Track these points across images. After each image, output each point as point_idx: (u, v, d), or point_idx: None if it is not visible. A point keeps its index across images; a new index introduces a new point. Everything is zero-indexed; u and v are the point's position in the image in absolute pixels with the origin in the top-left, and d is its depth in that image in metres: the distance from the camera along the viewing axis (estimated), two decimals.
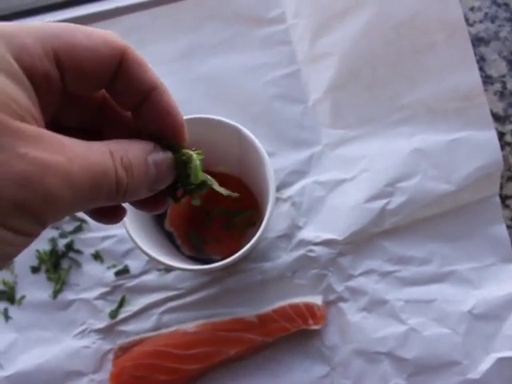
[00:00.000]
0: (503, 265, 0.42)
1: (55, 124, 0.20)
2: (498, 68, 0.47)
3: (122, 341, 0.42)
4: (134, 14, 0.48)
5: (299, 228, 0.44)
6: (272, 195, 0.35)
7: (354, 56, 0.45)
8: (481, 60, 0.47)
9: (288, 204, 0.44)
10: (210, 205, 0.43)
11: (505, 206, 0.44)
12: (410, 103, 0.44)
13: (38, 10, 0.49)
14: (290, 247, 0.43)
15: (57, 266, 0.44)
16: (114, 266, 0.44)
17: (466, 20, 0.48)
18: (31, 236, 0.18)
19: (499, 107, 0.46)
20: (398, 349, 0.41)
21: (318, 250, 0.43)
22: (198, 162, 0.22)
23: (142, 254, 0.36)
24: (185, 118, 0.36)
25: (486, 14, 0.48)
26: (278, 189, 0.44)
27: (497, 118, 0.46)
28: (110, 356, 0.42)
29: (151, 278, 0.44)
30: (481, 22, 0.48)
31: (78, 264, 0.44)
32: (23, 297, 0.44)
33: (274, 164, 0.42)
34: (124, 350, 0.41)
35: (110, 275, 0.44)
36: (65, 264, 0.44)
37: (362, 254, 0.43)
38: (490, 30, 0.48)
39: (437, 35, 0.44)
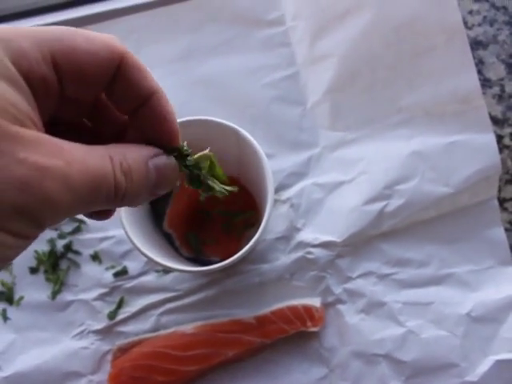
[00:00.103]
0: (501, 267, 0.42)
1: (52, 122, 0.20)
2: (496, 71, 0.47)
3: (120, 342, 0.42)
4: (133, 16, 0.48)
5: (298, 230, 0.44)
6: (271, 197, 0.35)
7: (353, 58, 0.45)
8: (479, 63, 0.48)
9: (287, 206, 0.44)
10: (209, 206, 0.43)
11: (503, 208, 0.45)
12: (408, 106, 0.44)
13: (37, 10, 0.49)
14: (288, 249, 0.43)
15: (55, 266, 0.44)
16: (113, 267, 0.44)
17: (465, 23, 0.48)
18: (30, 238, 0.18)
19: (497, 110, 0.47)
20: (396, 351, 0.41)
21: (317, 251, 0.43)
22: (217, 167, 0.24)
23: (141, 256, 0.36)
24: (184, 119, 0.36)
25: (485, 17, 0.49)
26: (277, 190, 0.44)
27: (495, 121, 0.46)
28: (109, 357, 0.42)
29: (150, 279, 0.44)
30: (479, 25, 0.48)
31: (76, 265, 0.44)
32: (22, 297, 0.44)
33: (273, 166, 0.42)
34: (122, 350, 0.41)
35: (108, 276, 0.44)
36: (63, 265, 0.45)
37: (360, 256, 0.43)
38: (489, 34, 0.48)
39: (436, 38, 0.44)
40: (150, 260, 0.35)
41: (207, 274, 0.43)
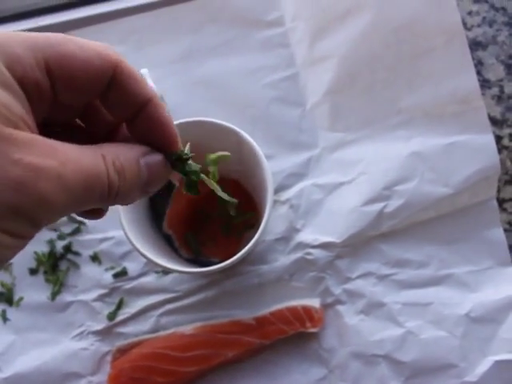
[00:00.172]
0: (500, 268, 0.42)
1: (45, 123, 0.21)
2: (495, 72, 0.47)
3: (120, 343, 0.42)
4: (134, 16, 0.48)
5: (297, 231, 0.44)
6: (270, 198, 0.35)
7: (352, 59, 0.45)
8: (478, 64, 0.48)
9: (286, 206, 0.44)
10: (208, 207, 0.43)
11: (502, 209, 0.45)
12: (408, 107, 0.44)
13: (38, 11, 0.49)
14: (287, 250, 0.43)
15: (55, 267, 0.44)
16: (112, 267, 0.44)
17: (464, 24, 0.48)
18: (26, 238, 0.18)
19: (497, 111, 0.47)
20: (395, 352, 0.41)
21: (316, 252, 0.43)
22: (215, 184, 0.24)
23: (140, 257, 0.36)
24: (184, 120, 0.36)
25: (484, 18, 0.49)
26: (276, 191, 0.45)
27: (494, 121, 0.46)
28: (108, 358, 0.42)
29: (149, 280, 0.44)
30: (479, 26, 0.48)
31: (76, 266, 0.44)
32: (21, 298, 0.44)
33: (273, 166, 0.42)
34: (122, 351, 0.41)
35: (108, 277, 0.44)
36: (63, 266, 0.45)
37: (359, 256, 0.43)
38: (488, 35, 0.48)
39: (435, 39, 0.44)
40: (149, 261, 0.35)
41: (207, 275, 0.43)
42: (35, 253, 0.45)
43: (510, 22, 0.48)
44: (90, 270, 0.44)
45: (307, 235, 0.44)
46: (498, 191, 0.44)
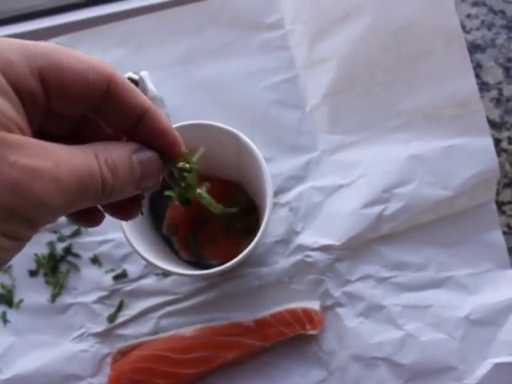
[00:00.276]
0: (499, 271, 0.42)
1: (41, 132, 0.21)
2: (494, 75, 0.48)
3: (120, 345, 0.42)
4: (134, 19, 0.48)
5: (297, 233, 0.44)
6: (270, 201, 0.35)
7: (351, 62, 0.45)
8: (477, 67, 0.48)
9: (286, 209, 0.44)
10: (208, 210, 0.43)
11: (501, 212, 0.45)
12: (407, 109, 0.45)
13: (38, 14, 0.50)
14: (287, 252, 0.44)
15: (55, 269, 0.44)
16: (112, 270, 0.44)
17: (463, 27, 0.48)
18: (23, 240, 0.18)
19: (495, 114, 0.47)
20: (394, 354, 0.41)
21: (316, 255, 0.43)
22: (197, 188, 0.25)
23: (140, 259, 0.36)
24: (183, 123, 0.36)
25: (483, 21, 0.49)
26: (276, 194, 0.45)
27: (493, 124, 0.46)
28: (108, 360, 0.42)
29: (149, 282, 0.44)
30: (477, 29, 0.49)
31: (76, 268, 0.44)
32: (21, 300, 0.44)
33: (272, 169, 0.42)
34: (122, 353, 0.41)
35: (108, 279, 0.44)
36: (63, 268, 0.45)
37: (359, 259, 0.43)
38: (487, 38, 0.48)
39: (434, 42, 0.44)
40: (149, 263, 0.35)
41: (206, 278, 0.43)
42: (35, 255, 0.45)
43: (508, 25, 0.48)
44: (90, 272, 0.44)
45: (307, 238, 0.44)
46: (497, 194, 0.44)
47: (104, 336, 0.43)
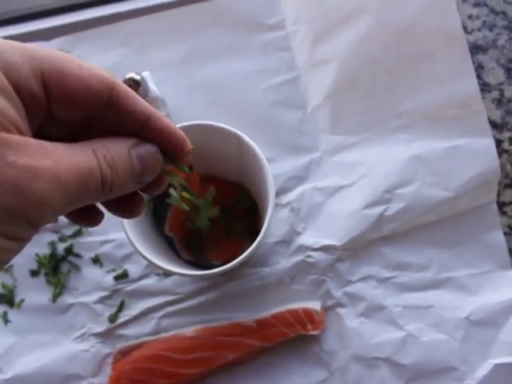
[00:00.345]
0: (500, 271, 0.42)
1: (40, 133, 0.21)
2: (495, 76, 0.48)
3: (121, 345, 0.42)
4: (135, 19, 0.48)
5: (298, 234, 0.44)
6: (272, 201, 0.35)
7: (353, 63, 0.45)
8: (479, 68, 0.48)
9: (287, 209, 0.45)
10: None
11: (502, 212, 0.45)
12: (408, 110, 0.45)
13: (41, 13, 0.50)
14: (288, 253, 0.44)
15: (56, 269, 0.44)
16: (114, 270, 0.44)
17: (464, 28, 0.48)
18: (24, 241, 0.18)
19: (497, 115, 0.47)
20: (395, 354, 0.41)
21: (317, 255, 0.43)
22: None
23: (141, 259, 0.36)
24: (185, 124, 0.36)
25: (484, 22, 0.49)
26: (277, 194, 0.45)
27: (494, 125, 0.46)
28: (109, 360, 0.42)
29: (150, 282, 0.44)
30: (479, 30, 0.49)
31: (77, 268, 0.45)
32: (22, 300, 0.44)
33: (273, 170, 0.42)
34: (123, 353, 0.41)
35: (109, 279, 0.44)
36: (64, 268, 0.45)
37: (360, 259, 0.43)
38: (488, 38, 0.48)
39: (435, 43, 0.44)
40: (150, 263, 0.35)
41: (208, 278, 0.43)
42: (36, 255, 0.45)
43: (509, 25, 0.49)
44: (91, 273, 0.44)
45: (308, 238, 0.44)
46: (498, 195, 0.44)
47: (105, 336, 0.43)
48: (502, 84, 0.47)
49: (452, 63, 0.44)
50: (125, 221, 0.35)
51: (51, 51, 0.19)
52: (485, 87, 0.47)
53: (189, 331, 0.41)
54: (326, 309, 0.42)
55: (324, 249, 0.43)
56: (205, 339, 0.41)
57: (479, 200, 0.43)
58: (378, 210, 0.43)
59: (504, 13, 0.49)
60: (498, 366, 0.40)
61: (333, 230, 0.43)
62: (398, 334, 0.41)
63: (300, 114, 0.46)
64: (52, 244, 0.45)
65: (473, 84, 0.43)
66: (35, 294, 0.44)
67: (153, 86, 0.45)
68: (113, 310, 0.43)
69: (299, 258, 0.43)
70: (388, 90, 0.45)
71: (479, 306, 0.41)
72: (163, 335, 0.42)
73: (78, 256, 0.45)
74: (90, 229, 0.45)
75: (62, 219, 0.45)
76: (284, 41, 0.47)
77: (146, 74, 0.45)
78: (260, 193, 0.39)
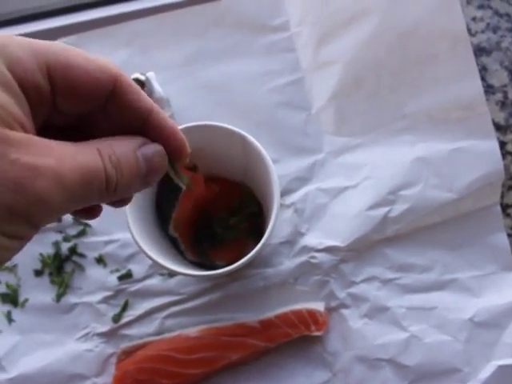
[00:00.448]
0: (504, 273, 0.42)
1: (45, 125, 0.21)
2: (499, 78, 0.48)
3: (125, 345, 0.42)
4: (139, 20, 0.48)
5: (302, 234, 0.44)
6: (277, 202, 0.35)
7: (357, 64, 0.45)
8: (483, 70, 0.48)
9: (291, 210, 0.45)
10: (215, 210, 0.43)
11: (506, 214, 0.45)
12: (412, 112, 0.45)
13: (46, 14, 0.50)
14: (292, 253, 0.44)
15: (60, 269, 0.45)
16: (118, 270, 0.44)
17: (468, 30, 0.48)
18: (24, 239, 0.18)
19: (501, 117, 0.47)
20: (399, 356, 0.41)
21: (321, 256, 0.43)
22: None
23: (145, 259, 0.36)
24: (190, 125, 0.36)
25: (488, 24, 0.49)
26: (281, 195, 0.45)
27: (498, 127, 0.46)
28: (113, 360, 0.42)
29: (154, 282, 0.44)
30: (483, 32, 0.49)
31: (81, 268, 0.45)
32: (26, 300, 0.44)
33: (277, 170, 0.42)
34: (127, 353, 0.42)
35: (113, 279, 0.44)
36: (68, 268, 0.45)
37: (363, 260, 0.43)
38: (492, 40, 0.48)
39: (440, 45, 0.44)
40: (155, 263, 0.35)
41: (212, 278, 0.43)
42: (40, 254, 0.45)
43: None
44: (95, 272, 0.44)
45: (312, 239, 0.44)
46: (502, 197, 0.44)
47: (109, 336, 0.43)
48: (505, 86, 0.48)
49: (456, 65, 0.44)
50: (130, 221, 0.35)
51: (57, 45, 0.19)
52: (489, 89, 0.47)
53: (193, 331, 0.41)
54: (330, 310, 0.43)
55: (328, 250, 0.43)
56: (208, 339, 0.41)
57: (483, 202, 0.43)
58: (382, 211, 0.43)
59: (508, 15, 0.49)
60: (501, 368, 0.40)
61: (337, 230, 0.43)
62: (402, 335, 0.41)
63: (304, 116, 0.46)
64: (56, 244, 0.45)
65: (477, 86, 0.43)
66: (39, 293, 0.44)
67: (157, 87, 0.45)
68: (117, 310, 0.43)
69: (303, 258, 0.43)
70: (392, 92, 0.45)
71: (483, 307, 0.41)
72: (167, 335, 0.42)
73: (81, 256, 0.45)
74: (94, 229, 0.45)
75: (66, 219, 0.45)
76: (288, 42, 0.48)
77: (150, 75, 0.45)
78: (265, 194, 0.39)
